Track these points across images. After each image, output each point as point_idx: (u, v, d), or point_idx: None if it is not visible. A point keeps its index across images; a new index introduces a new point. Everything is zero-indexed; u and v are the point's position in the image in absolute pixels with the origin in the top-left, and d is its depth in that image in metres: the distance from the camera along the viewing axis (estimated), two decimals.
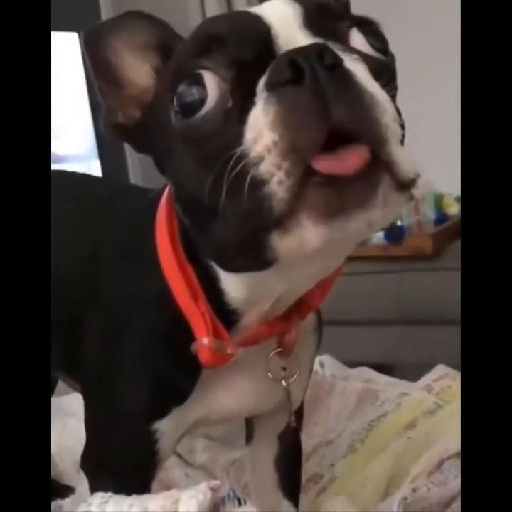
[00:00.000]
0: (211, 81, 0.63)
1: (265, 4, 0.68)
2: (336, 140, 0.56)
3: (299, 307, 0.80)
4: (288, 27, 0.64)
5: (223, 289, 0.75)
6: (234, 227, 0.60)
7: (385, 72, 0.66)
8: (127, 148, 2.94)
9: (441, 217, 2.71)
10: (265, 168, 0.57)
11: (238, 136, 0.59)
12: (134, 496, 0.63)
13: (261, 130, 0.58)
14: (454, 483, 1.07)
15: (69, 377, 0.99)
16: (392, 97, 0.63)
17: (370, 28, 0.68)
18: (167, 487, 1.22)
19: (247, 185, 0.57)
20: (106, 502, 0.62)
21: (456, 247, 2.26)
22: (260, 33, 0.63)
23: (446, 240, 2.42)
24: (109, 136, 0.75)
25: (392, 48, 0.71)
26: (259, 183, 0.57)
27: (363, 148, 0.57)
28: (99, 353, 0.87)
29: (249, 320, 0.77)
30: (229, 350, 0.76)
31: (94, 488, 0.86)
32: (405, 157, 0.60)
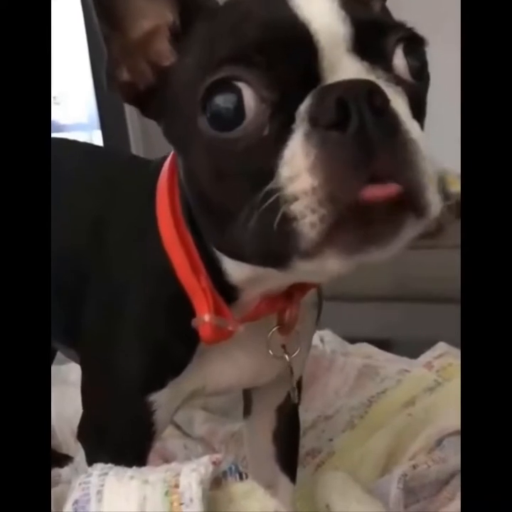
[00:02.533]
0: (251, 100, 0.60)
1: (313, 3, 0.62)
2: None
3: (300, 284, 0.79)
4: (336, 49, 0.60)
5: (225, 269, 0.74)
6: (256, 242, 0.61)
7: (418, 99, 0.65)
8: (129, 118, 2.92)
9: (444, 195, 2.70)
10: (299, 208, 0.57)
11: (273, 167, 0.58)
12: (134, 468, 0.62)
13: (299, 171, 0.57)
14: (454, 461, 1.07)
15: (70, 347, 0.98)
16: (422, 126, 0.64)
17: (413, 46, 0.65)
18: (165, 458, 1.23)
19: (277, 219, 0.57)
20: (106, 473, 0.61)
21: (459, 224, 2.25)
22: (307, 50, 0.60)
23: (448, 218, 2.40)
24: (111, 92, 0.71)
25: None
26: (289, 219, 0.57)
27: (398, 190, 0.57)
28: (98, 322, 0.86)
29: (250, 297, 0.77)
30: (230, 327, 0.76)
31: (90, 458, 0.86)
32: (435, 198, 0.60)
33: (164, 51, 0.70)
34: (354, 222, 0.56)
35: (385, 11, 0.74)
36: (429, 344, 1.52)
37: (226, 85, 0.60)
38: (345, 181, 0.56)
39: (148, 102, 0.71)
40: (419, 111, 0.64)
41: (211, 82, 0.61)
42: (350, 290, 2.28)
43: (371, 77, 0.60)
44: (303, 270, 0.61)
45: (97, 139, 2.88)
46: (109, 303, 0.85)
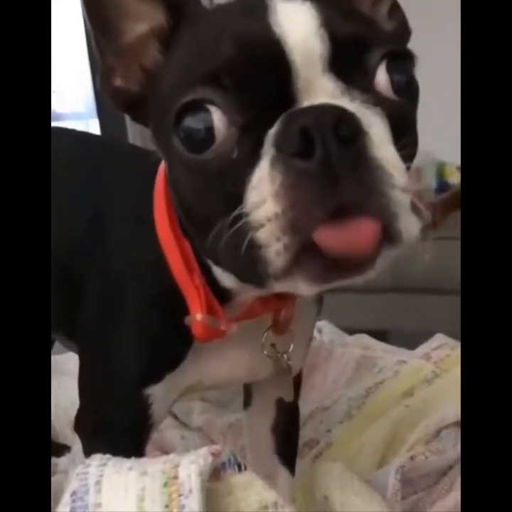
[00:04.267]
0: (220, 123, 0.59)
1: (292, 19, 0.60)
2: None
3: None
4: (312, 68, 0.59)
5: (216, 276, 0.74)
6: (227, 263, 0.62)
7: (402, 116, 0.63)
8: None
9: (443, 186, 2.70)
10: (264, 236, 0.57)
11: (242, 191, 0.58)
12: (133, 459, 0.62)
13: (264, 197, 0.57)
14: (452, 452, 1.07)
15: (68, 339, 0.98)
16: (412, 141, 0.63)
17: (399, 61, 0.63)
18: (163, 449, 1.22)
19: (244, 245, 0.57)
20: (104, 464, 0.61)
21: (457, 216, 2.25)
22: (280, 71, 0.59)
23: (446, 209, 2.40)
24: (108, 99, 0.72)
25: None
26: (256, 246, 0.57)
27: (372, 224, 0.56)
28: (96, 315, 0.86)
29: (244, 298, 0.77)
30: (223, 327, 0.75)
31: (87, 450, 0.86)
32: (411, 223, 0.59)
33: (154, 56, 0.69)
34: (319, 252, 0.56)
35: (394, 7, 0.72)
36: (426, 335, 1.52)
37: (197, 107, 0.60)
38: (307, 210, 0.55)
39: (138, 108, 0.71)
40: (403, 128, 0.63)
41: (182, 103, 0.60)
42: (347, 281, 2.29)
43: (345, 99, 0.59)
44: (279, 288, 0.62)
45: (94, 127, 2.87)
46: (106, 296, 0.85)
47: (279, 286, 0.60)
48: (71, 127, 1.16)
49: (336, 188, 0.55)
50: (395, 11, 0.73)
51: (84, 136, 1.15)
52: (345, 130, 0.56)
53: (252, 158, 0.58)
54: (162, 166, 0.79)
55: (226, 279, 0.73)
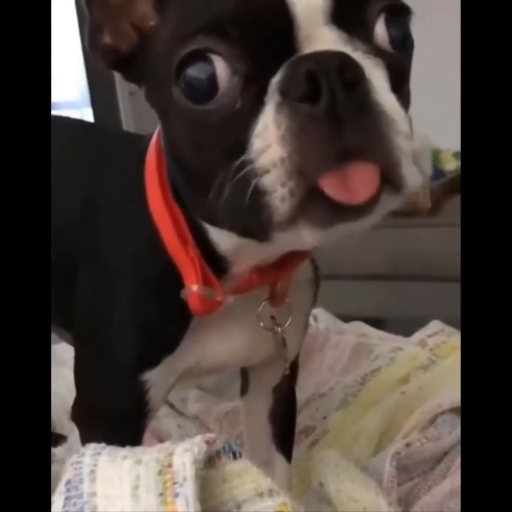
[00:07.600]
0: (223, 73, 0.59)
1: None
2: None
3: (291, 255, 0.77)
4: (313, 20, 0.59)
5: (211, 238, 0.74)
6: (229, 215, 0.61)
7: (399, 70, 0.64)
8: (120, 95, 2.89)
9: (438, 173, 2.68)
10: (269, 181, 0.57)
11: (246, 140, 0.58)
12: (127, 448, 0.62)
13: (270, 143, 0.57)
14: (448, 439, 1.08)
15: (62, 327, 0.97)
16: (406, 97, 0.64)
17: (396, 15, 0.63)
18: (159, 437, 1.22)
19: (249, 192, 0.57)
20: (99, 453, 0.60)
21: (453, 203, 2.25)
22: (282, 22, 0.59)
23: (442, 196, 2.40)
24: (96, 58, 0.70)
25: None
26: (261, 193, 0.57)
27: (373, 171, 0.56)
28: (91, 300, 0.86)
29: (240, 269, 0.76)
30: (219, 298, 0.75)
31: (85, 439, 0.85)
32: (413, 173, 0.59)
33: (147, 13, 0.68)
34: (325, 196, 0.56)
35: None
36: (422, 322, 1.52)
37: (199, 57, 0.59)
38: (313, 155, 0.55)
39: (130, 66, 0.70)
40: (400, 82, 0.63)
41: (185, 53, 0.60)
42: (343, 269, 2.28)
43: (348, 48, 0.59)
44: (281, 241, 0.62)
45: (87, 116, 2.85)
46: (101, 279, 0.84)
47: (282, 237, 0.60)
48: (66, 115, 1.16)
49: (341, 132, 0.55)
50: None
51: (79, 124, 1.15)
52: (349, 75, 0.56)
53: (256, 106, 0.58)
54: (153, 141, 0.78)
55: (224, 242, 0.73)
